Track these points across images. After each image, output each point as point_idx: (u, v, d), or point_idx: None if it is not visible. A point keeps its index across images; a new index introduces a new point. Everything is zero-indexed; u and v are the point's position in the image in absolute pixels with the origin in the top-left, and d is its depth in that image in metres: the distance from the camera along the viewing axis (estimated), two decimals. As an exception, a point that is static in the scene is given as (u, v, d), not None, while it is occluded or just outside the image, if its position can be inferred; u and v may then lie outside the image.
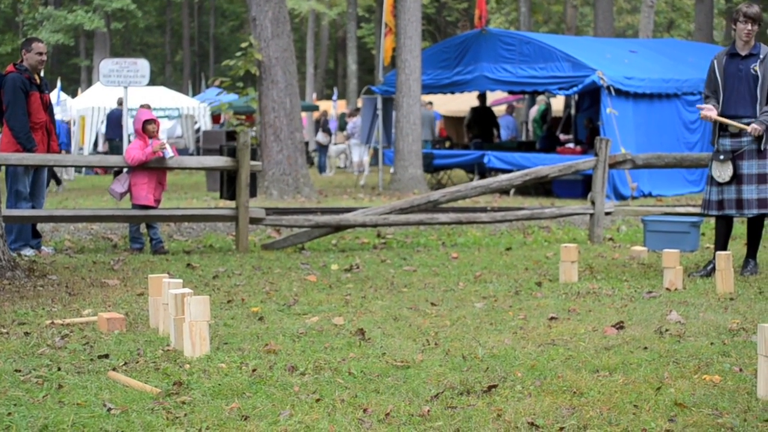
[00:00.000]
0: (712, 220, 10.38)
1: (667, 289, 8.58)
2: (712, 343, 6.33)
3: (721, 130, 9.26)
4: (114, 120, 25.93)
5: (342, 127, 33.12)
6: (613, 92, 20.10)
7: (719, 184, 9.28)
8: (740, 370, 5.61)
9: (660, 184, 20.60)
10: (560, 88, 21.26)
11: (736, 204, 9.23)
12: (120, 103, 26.82)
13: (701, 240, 11.88)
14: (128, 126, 19.16)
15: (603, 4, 31.35)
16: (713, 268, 9.01)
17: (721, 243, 9.41)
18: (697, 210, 12.43)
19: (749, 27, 9.18)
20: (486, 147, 23.79)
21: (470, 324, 7.10)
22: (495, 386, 5.30)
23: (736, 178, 9.19)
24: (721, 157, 9.21)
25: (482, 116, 25.21)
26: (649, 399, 5.06)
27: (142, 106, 26.29)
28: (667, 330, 6.74)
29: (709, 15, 32.86)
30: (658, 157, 12.73)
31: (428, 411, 4.88)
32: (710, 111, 9.23)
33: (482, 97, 25.28)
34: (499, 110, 30.81)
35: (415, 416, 4.83)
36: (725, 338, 6.50)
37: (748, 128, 9.06)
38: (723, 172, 9.21)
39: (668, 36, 51.63)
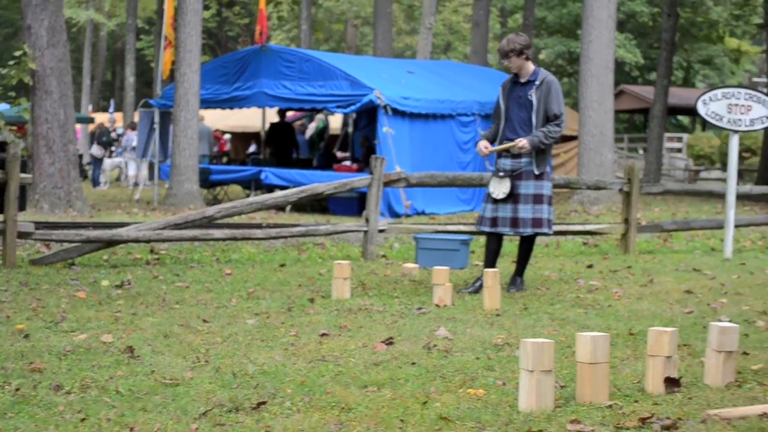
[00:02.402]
0: (482, 239, 10.66)
1: (437, 305, 8.76)
2: (477, 358, 6.50)
3: (504, 151, 9.57)
4: None
5: (109, 142, 32.52)
6: (389, 111, 20.42)
7: (495, 201, 9.56)
8: (503, 383, 5.78)
9: (433, 202, 21.03)
10: (338, 106, 21.46)
11: (512, 222, 9.53)
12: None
13: (471, 257, 12.18)
14: None
15: (383, 24, 31.84)
16: (481, 285, 9.25)
17: (490, 260, 9.70)
18: (468, 228, 12.76)
19: (504, 63, 9.59)
20: (263, 163, 23.78)
21: (242, 341, 7.08)
22: (264, 403, 5.30)
23: (513, 197, 9.49)
24: (501, 174, 9.50)
25: (280, 133, 25.05)
26: (416, 413, 5.15)
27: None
28: (435, 345, 6.88)
29: (485, 39, 33.84)
30: (431, 176, 13.02)
31: (196, 429, 4.85)
32: (482, 149, 9.60)
33: (282, 113, 25.14)
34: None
35: (182, 434, 4.79)
36: (490, 353, 6.68)
37: (516, 142, 9.37)
38: (500, 188, 9.49)
39: (445, 58, 52.84)
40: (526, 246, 9.86)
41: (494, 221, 9.60)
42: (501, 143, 9.60)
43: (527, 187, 9.51)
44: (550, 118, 9.47)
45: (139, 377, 5.90)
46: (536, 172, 9.51)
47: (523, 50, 9.49)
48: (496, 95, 9.82)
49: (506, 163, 9.56)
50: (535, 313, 8.45)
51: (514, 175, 9.52)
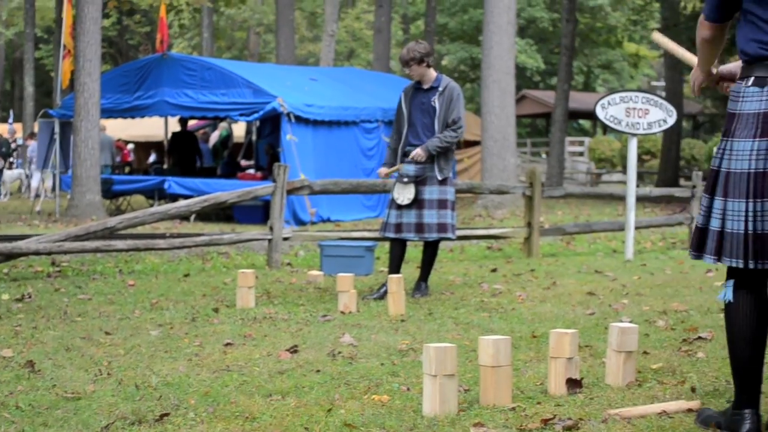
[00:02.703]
0: (387, 245, 10.70)
1: (342, 312, 8.77)
2: (382, 364, 6.52)
3: (405, 156, 9.63)
4: None
5: (9, 153, 31.95)
6: (293, 119, 20.38)
7: (399, 207, 9.61)
8: (408, 389, 5.79)
9: (338, 209, 21.05)
10: (241, 114, 21.36)
11: (416, 228, 9.58)
12: None
13: (376, 264, 12.22)
14: None
15: (285, 32, 31.80)
16: (386, 291, 9.28)
17: (395, 266, 9.73)
18: (373, 234, 12.79)
19: (406, 71, 9.68)
20: (166, 173, 23.58)
21: (145, 352, 7.01)
22: (167, 414, 5.25)
23: (418, 203, 9.55)
24: (405, 179, 9.55)
25: (183, 142, 24.83)
26: (320, 421, 5.14)
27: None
28: (339, 352, 6.88)
29: (387, 46, 33.99)
30: (335, 183, 13.04)
31: (98, 442, 4.79)
32: (381, 173, 9.78)
33: (183, 122, 24.92)
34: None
35: (84, 448, 4.72)
36: (395, 359, 6.70)
37: (412, 154, 9.47)
38: (404, 194, 9.55)
39: (348, 65, 52.95)
40: (431, 251, 9.92)
41: (399, 227, 9.64)
42: (404, 149, 9.67)
43: (431, 193, 9.58)
44: (448, 124, 9.56)
45: (40, 392, 5.80)
46: (440, 178, 9.59)
47: (424, 58, 9.56)
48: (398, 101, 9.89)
49: (410, 168, 9.62)
50: (439, 317, 8.49)
51: (418, 181, 9.58)
